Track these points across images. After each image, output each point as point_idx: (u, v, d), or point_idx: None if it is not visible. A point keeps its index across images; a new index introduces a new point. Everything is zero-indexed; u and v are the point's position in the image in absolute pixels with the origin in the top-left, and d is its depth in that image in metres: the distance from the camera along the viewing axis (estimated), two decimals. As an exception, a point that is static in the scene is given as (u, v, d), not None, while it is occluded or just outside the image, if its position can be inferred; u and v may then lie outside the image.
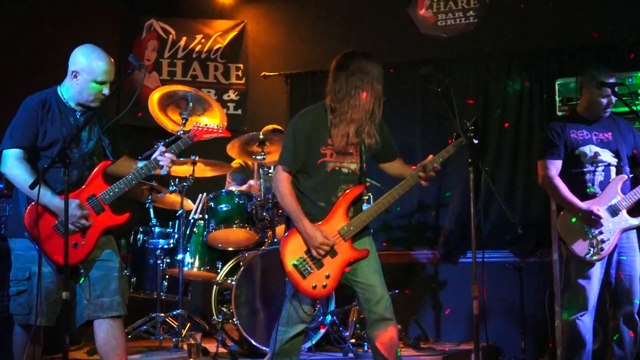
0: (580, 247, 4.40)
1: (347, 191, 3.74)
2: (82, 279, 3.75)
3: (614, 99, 4.42)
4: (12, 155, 3.69)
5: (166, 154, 3.84)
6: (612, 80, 4.38)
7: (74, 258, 3.66)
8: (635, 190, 4.40)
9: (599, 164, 4.49)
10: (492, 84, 6.40)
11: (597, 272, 4.40)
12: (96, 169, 3.80)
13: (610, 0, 5.89)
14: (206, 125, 4.14)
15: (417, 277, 6.38)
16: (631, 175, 4.51)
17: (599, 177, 4.49)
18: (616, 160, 4.50)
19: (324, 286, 3.67)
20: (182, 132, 5.12)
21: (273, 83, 7.13)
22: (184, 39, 7.24)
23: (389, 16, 6.79)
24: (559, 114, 5.14)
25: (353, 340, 5.07)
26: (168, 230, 5.55)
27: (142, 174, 3.82)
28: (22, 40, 5.86)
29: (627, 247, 4.46)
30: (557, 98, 5.20)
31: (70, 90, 3.81)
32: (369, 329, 3.75)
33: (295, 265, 3.66)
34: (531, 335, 5.70)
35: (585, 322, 4.43)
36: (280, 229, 5.16)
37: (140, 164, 3.89)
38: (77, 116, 3.81)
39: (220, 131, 4.16)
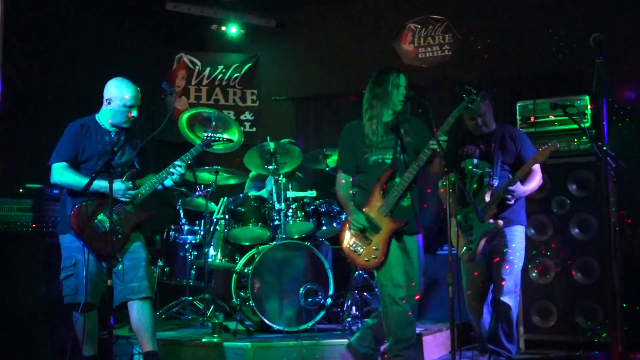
0: (460, 248, 4.27)
1: (380, 175, 3.82)
2: (120, 265, 3.85)
3: (479, 119, 4.28)
4: (58, 166, 3.86)
5: (177, 167, 3.92)
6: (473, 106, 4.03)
7: (113, 249, 3.78)
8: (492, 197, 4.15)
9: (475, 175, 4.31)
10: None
11: (476, 268, 4.22)
12: (126, 175, 3.93)
13: (561, 37, 5.73)
14: (213, 134, 4.20)
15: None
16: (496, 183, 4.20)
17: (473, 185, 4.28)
18: (489, 170, 4.25)
19: (375, 257, 3.73)
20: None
21: (282, 106, 7.15)
22: (208, 69, 7.25)
23: (379, 49, 6.83)
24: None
25: (349, 320, 4.94)
26: (195, 228, 5.55)
27: (162, 178, 3.92)
28: (70, 75, 5.83)
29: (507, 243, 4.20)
30: (517, 117, 5.14)
31: (106, 115, 3.97)
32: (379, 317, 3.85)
33: (349, 247, 3.79)
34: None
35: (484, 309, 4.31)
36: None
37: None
38: (112, 135, 3.98)
39: (225, 139, 4.25)
